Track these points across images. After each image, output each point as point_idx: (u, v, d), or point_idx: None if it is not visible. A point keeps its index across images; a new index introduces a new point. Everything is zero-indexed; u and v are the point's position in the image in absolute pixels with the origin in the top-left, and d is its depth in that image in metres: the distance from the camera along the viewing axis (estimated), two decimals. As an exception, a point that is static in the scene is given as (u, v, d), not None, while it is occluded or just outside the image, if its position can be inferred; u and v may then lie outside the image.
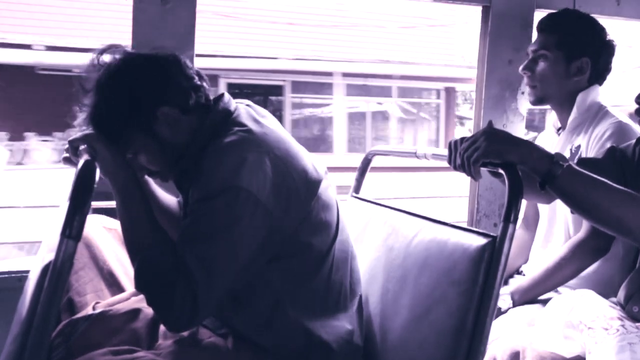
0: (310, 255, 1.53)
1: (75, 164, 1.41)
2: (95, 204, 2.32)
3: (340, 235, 1.60)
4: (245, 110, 1.55)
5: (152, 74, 1.48)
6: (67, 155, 1.54)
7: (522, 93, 2.42)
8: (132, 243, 1.44)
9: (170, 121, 1.48)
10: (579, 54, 2.09)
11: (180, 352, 1.45)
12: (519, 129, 2.40)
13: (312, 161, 1.56)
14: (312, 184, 1.51)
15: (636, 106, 1.66)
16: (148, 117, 1.47)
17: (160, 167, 1.53)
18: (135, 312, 1.52)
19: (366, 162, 2.10)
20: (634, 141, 1.81)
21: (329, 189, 1.58)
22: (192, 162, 1.50)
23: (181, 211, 1.77)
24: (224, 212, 1.37)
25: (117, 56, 1.49)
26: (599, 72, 2.13)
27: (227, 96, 1.56)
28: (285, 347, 1.52)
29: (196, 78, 1.53)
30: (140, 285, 1.40)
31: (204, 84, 1.55)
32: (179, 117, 1.49)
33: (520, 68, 2.13)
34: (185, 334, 1.49)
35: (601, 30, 2.13)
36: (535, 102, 2.17)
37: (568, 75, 2.09)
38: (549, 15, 2.16)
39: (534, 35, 2.36)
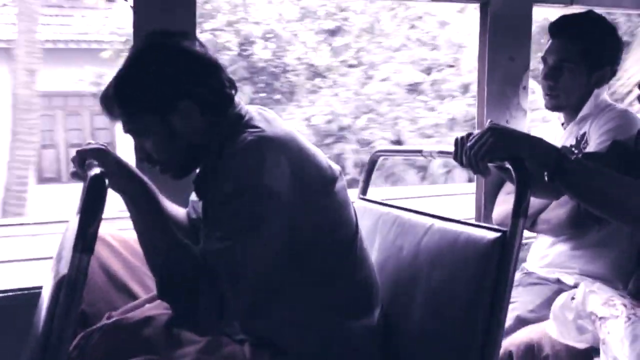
0: (332, 254, 1.53)
1: (83, 178, 1.42)
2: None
3: (359, 233, 1.61)
4: (256, 112, 1.56)
5: (192, 66, 1.49)
6: (74, 169, 1.55)
7: (524, 88, 2.42)
8: (151, 253, 1.44)
9: (187, 116, 1.49)
10: (602, 65, 2.10)
11: None
12: (522, 125, 2.40)
13: (326, 160, 1.57)
14: (327, 182, 1.52)
15: (638, 92, 1.67)
16: (169, 104, 1.47)
17: (163, 157, 1.53)
18: (148, 320, 1.51)
19: (372, 163, 2.10)
20: (635, 133, 1.82)
21: (344, 188, 1.59)
22: (209, 165, 1.51)
23: (193, 220, 1.78)
24: (248, 212, 1.38)
25: (172, 40, 1.51)
26: (614, 74, 2.15)
27: (237, 100, 1.57)
28: (306, 349, 1.52)
29: (228, 85, 1.55)
30: (163, 292, 1.40)
31: (233, 92, 1.56)
32: (197, 115, 1.49)
33: (542, 77, 2.11)
34: (202, 341, 1.49)
35: (618, 34, 2.13)
36: (554, 109, 2.18)
37: (589, 84, 2.10)
38: (568, 19, 2.11)
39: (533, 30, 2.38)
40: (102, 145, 1.47)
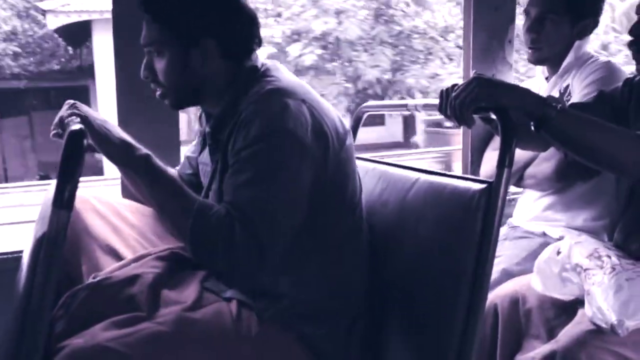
0: (343, 206, 1.55)
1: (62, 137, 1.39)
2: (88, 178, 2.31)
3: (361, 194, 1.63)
4: (272, 64, 1.58)
5: (231, 10, 1.51)
6: (56, 130, 1.53)
7: (509, 42, 2.40)
8: (172, 218, 1.46)
9: (207, 55, 1.51)
10: (585, 16, 2.10)
11: (183, 320, 1.44)
12: (507, 78, 2.38)
13: (337, 115, 1.58)
14: (340, 135, 1.53)
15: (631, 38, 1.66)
16: (194, 37, 1.49)
17: (168, 82, 1.54)
18: (134, 278, 1.50)
19: (357, 120, 2.07)
20: (621, 84, 1.81)
21: (352, 146, 1.61)
22: (225, 113, 1.53)
23: (188, 176, 1.79)
24: (274, 155, 1.39)
25: None
26: (596, 24, 2.15)
27: (255, 53, 1.59)
28: (305, 303, 1.52)
29: (256, 41, 1.57)
30: (198, 251, 1.41)
31: (258, 49, 1.58)
32: (216, 57, 1.52)
33: (525, 29, 2.12)
34: (187, 300, 1.48)
35: None
36: (537, 62, 2.19)
37: (572, 36, 2.11)
38: None
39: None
40: (102, 119, 1.48)
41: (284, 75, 1.55)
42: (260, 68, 1.55)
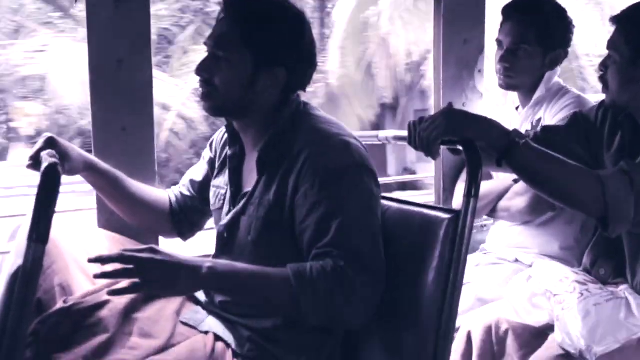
0: None
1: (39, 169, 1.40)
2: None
3: None
4: (309, 102, 1.63)
5: (309, 52, 1.56)
6: (31, 162, 1.53)
7: (479, 71, 2.44)
8: (270, 304, 1.47)
9: (273, 81, 1.53)
10: (555, 47, 2.15)
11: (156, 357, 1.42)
12: (478, 107, 2.42)
13: None
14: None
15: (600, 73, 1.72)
16: (271, 61, 1.52)
17: (222, 88, 1.54)
18: (104, 303, 1.48)
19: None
20: (596, 105, 1.85)
21: None
22: (276, 139, 1.54)
23: (187, 198, 1.79)
24: (359, 190, 1.46)
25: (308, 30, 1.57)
26: (566, 55, 2.20)
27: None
28: (289, 333, 1.52)
29: (310, 82, 1.61)
30: (313, 317, 1.42)
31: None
32: (278, 87, 1.54)
33: (498, 59, 2.16)
34: (160, 337, 1.46)
35: (568, 16, 2.18)
36: (509, 88, 2.23)
37: (543, 66, 2.16)
38: (521, 2, 2.15)
39: (487, 14, 2.40)
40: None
41: (323, 113, 1.60)
42: (303, 104, 1.60)
